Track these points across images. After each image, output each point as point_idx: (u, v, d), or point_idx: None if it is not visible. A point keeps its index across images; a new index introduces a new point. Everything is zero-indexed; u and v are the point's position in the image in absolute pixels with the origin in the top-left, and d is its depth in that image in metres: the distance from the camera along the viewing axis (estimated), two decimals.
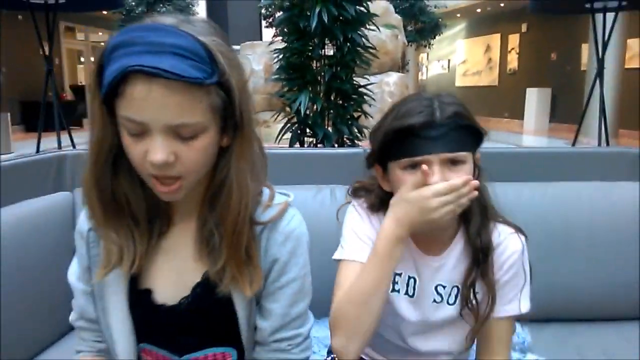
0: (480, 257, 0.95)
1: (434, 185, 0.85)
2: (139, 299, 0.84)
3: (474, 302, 0.96)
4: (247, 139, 0.77)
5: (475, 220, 0.96)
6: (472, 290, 0.96)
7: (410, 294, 1.00)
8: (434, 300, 1.00)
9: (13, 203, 1.27)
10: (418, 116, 0.87)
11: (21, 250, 1.22)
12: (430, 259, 0.99)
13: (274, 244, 0.83)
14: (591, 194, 1.49)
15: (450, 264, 0.99)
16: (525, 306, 0.98)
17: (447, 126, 0.86)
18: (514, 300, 0.98)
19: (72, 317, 0.94)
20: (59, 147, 2.75)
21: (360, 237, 0.99)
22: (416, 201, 0.86)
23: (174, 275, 0.84)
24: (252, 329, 0.86)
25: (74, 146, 2.93)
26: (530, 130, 11.64)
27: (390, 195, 0.95)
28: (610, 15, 3.08)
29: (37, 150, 2.94)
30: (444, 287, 1.00)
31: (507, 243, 0.97)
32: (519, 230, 1.00)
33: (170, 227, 0.85)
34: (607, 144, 3.07)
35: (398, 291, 1.01)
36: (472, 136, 0.91)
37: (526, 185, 1.49)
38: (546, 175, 1.53)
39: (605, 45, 2.98)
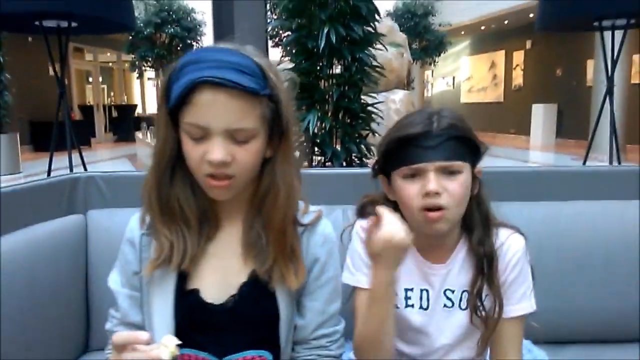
0: (485, 265, 0.98)
1: (383, 224, 0.90)
2: (186, 299, 0.90)
3: (481, 308, 0.99)
4: (290, 145, 0.90)
5: (477, 229, 1.00)
6: (479, 297, 0.99)
7: (425, 306, 1.03)
8: (445, 305, 1.02)
9: (26, 226, 1.27)
10: (417, 127, 0.93)
11: (34, 274, 1.22)
12: (437, 266, 1.02)
13: (315, 245, 0.94)
14: (605, 214, 1.47)
15: (456, 268, 1.02)
16: (533, 305, 1.01)
17: (442, 136, 0.92)
18: (523, 299, 1.00)
19: (109, 325, 0.96)
20: (71, 169, 2.76)
21: (368, 264, 1.00)
22: (383, 244, 0.90)
23: (221, 276, 0.92)
24: (292, 330, 0.93)
25: (85, 167, 2.94)
26: (537, 146, 11.62)
27: (397, 204, 0.99)
28: (617, 32, 3.09)
29: (49, 173, 2.95)
30: (452, 291, 1.02)
31: (509, 243, 1.01)
32: (517, 230, 1.04)
33: (218, 232, 0.94)
34: (619, 162, 3.05)
35: (412, 306, 1.03)
36: (468, 148, 0.95)
37: (540, 205, 1.48)
38: (560, 194, 1.52)
39: (615, 63, 2.98)
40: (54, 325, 1.26)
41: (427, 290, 1.02)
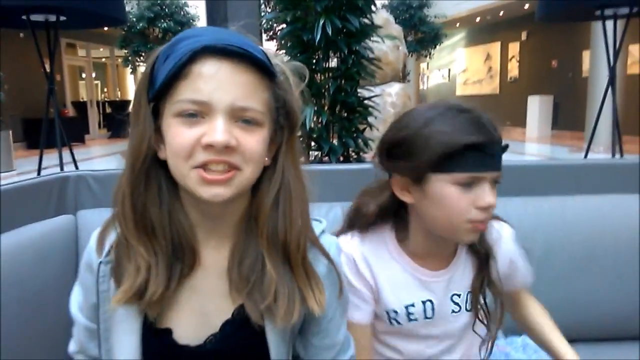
0: (484, 264, 0.97)
1: None
2: (156, 340, 0.76)
3: (484, 308, 0.98)
4: (295, 141, 0.78)
5: None
6: (483, 296, 0.98)
7: (430, 316, 0.98)
8: (453, 311, 0.99)
9: (14, 228, 1.23)
10: (480, 132, 0.84)
11: (22, 276, 1.18)
12: (439, 273, 0.98)
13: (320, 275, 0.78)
14: (611, 207, 1.45)
15: (459, 272, 0.99)
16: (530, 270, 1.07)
17: (500, 144, 0.87)
18: (524, 272, 1.06)
19: (71, 348, 0.86)
20: (61, 168, 2.71)
21: (355, 295, 0.96)
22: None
23: (197, 315, 0.77)
24: None
25: (76, 165, 2.89)
26: (533, 138, 11.62)
27: (402, 205, 0.95)
28: (617, 22, 3.07)
29: (39, 171, 2.90)
30: (458, 295, 0.99)
31: (503, 235, 1.01)
32: (501, 219, 1.03)
33: (196, 262, 0.76)
34: (622, 155, 3.02)
35: (416, 320, 0.98)
36: None
37: (545, 200, 1.45)
38: (565, 188, 1.49)
39: (616, 53, 2.95)
40: (43, 328, 1.23)
41: (430, 301, 0.97)
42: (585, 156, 3.26)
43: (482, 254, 0.96)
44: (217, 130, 0.66)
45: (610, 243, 1.41)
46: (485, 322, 0.99)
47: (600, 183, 1.51)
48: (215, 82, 0.67)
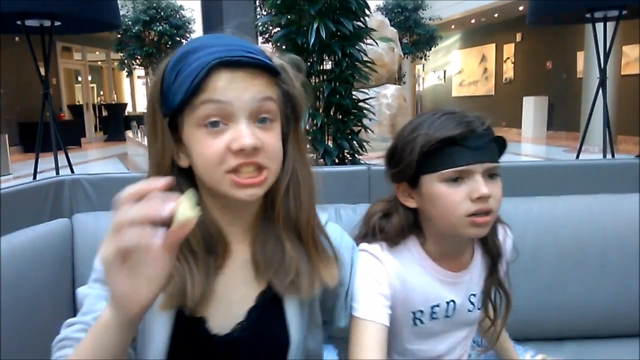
0: (497, 264, 0.99)
1: None
2: (189, 329, 0.79)
3: (492, 306, 1.01)
4: (301, 131, 0.83)
5: (491, 231, 0.96)
6: (491, 295, 1.00)
7: (450, 314, 1.00)
8: (469, 310, 1.01)
9: (10, 232, 1.24)
10: (458, 127, 0.86)
11: (18, 280, 1.18)
12: (460, 274, 0.99)
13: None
14: (601, 207, 1.46)
15: (477, 272, 1.01)
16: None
17: (486, 137, 0.87)
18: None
19: (69, 330, 0.80)
20: (57, 171, 2.71)
21: (373, 293, 0.93)
22: None
23: (225, 304, 0.81)
24: (304, 357, 0.85)
25: (71, 169, 2.89)
26: (529, 139, 11.66)
27: (415, 212, 0.96)
28: (609, 24, 3.09)
29: (34, 175, 2.90)
30: (474, 295, 1.01)
31: (506, 235, 1.04)
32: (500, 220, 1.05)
33: (226, 260, 0.82)
34: (613, 155, 3.04)
35: (437, 318, 0.99)
36: (499, 151, 0.92)
37: (536, 200, 1.47)
38: (555, 188, 1.50)
39: (607, 55, 2.97)
40: (39, 332, 1.23)
41: (453, 301, 0.99)
42: (578, 156, 3.28)
43: (494, 254, 0.98)
44: (244, 134, 0.71)
45: (599, 243, 1.42)
46: (492, 318, 1.02)
47: (590, 183, 1.52)
48: (232, 90, 0.71)
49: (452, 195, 0.87)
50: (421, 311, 0.98)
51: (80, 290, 0.83)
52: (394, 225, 0.96)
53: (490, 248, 0.99)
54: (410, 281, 0.96)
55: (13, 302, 1.15)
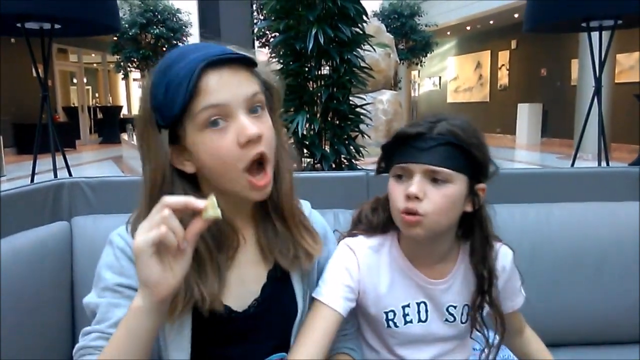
0: (486, 285, 0.97)
1: None
2: (210, 312, 0.83)
3: (482, 323, 0.99)
4: (279, 118, 0.89)
5: (477, 249, 0.97)
6: (480, 313, 0.98)
7: (423, 319, 1.01)
8: (446, 320, 1.01)
9: (9, 234, 1.23)
10: (417, 127, 0.90)
11: (17, 284, 1.18)
12: (437, 282, 1.00)
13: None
14: (596, 215, 1.48)
15: (457, 285, 1.00)
16: (524, 294, 1.09)
17: (436, 140, 0.88)
18: (518, 295, 1.08)
19: (87, 339, 0.81)
20: (55, 174, 2.70)
21: (338, 281, 0.97)
22: None
23: (239, 285, 0.89)
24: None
25: (69, 172, 2.89)
26: (523, 145, 11.73)
27: None
28: (604, 33, 3.12)
29: (32, 178, 2.89)
30: (454, 307, 1.01)
31: (500, 256, 1.01)
32: (503, 242, 1.05)
33: (236, 252, 0.89)
34: (607, 163, 3.06)
35: (411, 321, 1.00)
36: (468, 161, 0.90)
37: (531, 207, 1.48)
38: (551, 196, 1.52)
39: (602, 64, 3.00)
40: (38, 336, 1.23)
41: (424, 303, 1.00)
42: (573, 164, 3.31)
43: (483, 276, 0.96)
44: (247, 126, 0.76)
45: (596, 250, 1.43)
46: (484, 334, 1.00)
47: (586, 191, 1.53)
48: (224, 86, 0.76)
49: (394, 191, 0.92)
50: (393, 312, 0.99)
51: (89, 300, 0.85)
52: (375, 215, 1.03)
53: (478, 269, 0.97)
54: (383, 278, 0.99)
55: (12, 304, 1.15)
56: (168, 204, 0.66)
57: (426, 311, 1.00)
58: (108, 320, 0.80)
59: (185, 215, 0.69)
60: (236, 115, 0.77)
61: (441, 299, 1.00)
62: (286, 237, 0.89)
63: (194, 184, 0.84)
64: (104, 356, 0.73)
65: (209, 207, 0.68)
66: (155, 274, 0.67)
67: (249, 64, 0.81)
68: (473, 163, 0.90)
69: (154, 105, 0.78)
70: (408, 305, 1.00)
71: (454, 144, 0.88)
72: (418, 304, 1.00)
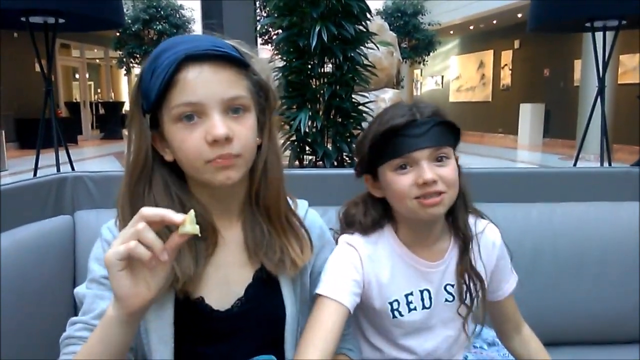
0: (463, 250, 1.01)
1: None
2: (189, 309, 0.85)
3: (468, 294, 1.01)
4: (273, 121, 0.88)
5: (461, 214, 1.01)
6: (465, 282, 1.01)
7: (428, 305, 1.02)
8: (446, 300, 1.03)
9: (12, 228, 1.24)
10: (401, 118, 0.92)
11: (20, 277, 1.18)
12: (435, 264, 1.02)
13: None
14: (598, 215, 1.48)
15: (453, 262, 1.03)
16: (516, 277, 1.10)
17: (428, 123, 0.92)
18: (511, 276, 1.09)
19: (73, 329, 0.84)
20: (58, 169, 2.71)
21: (343, 276, 0.97)
22: None
23: (223, 285, 0.88)
24: (297, 332, 0.91)
25: (72, 166, 2.89)
26: (525, 146, 11.71)
27: (384, 202, 1.01)
28: (608, 34, 3.11)
29: (35, 172, 2.90)
30: (452, 285, 1.03)
31: (487, 233, 1.05)
32: (491, 221, 1.08)
33: (217, 245, 0.88)
34: (610, 163, 3.06)
35: (415, 309, 1.02)
36: (451, 134, 0.96)
37: (534, 206, 1.48)
38: (553, 195, 1.52)
39: (605, 64, 3.00)
40: (40, 328, 1.23)
41: (427, 290, 1.02)
42: (575, 164, 3.30)
43: (468, 238, 1.01)
44: (217, 125, 0.76)
45: (598, 249, 1.43)
46: (469, 305, 1.02)
47: (588, 191, 1.53)
48: (202, 83, 0.76)
49: (401, 182, 0.93)
50: (397, 301, 1.00)
51: (78, 290, 0.88)
52: (367, 215, 1.03)
53: (459, 232, 1.01)
54: (385, 268, 1.00)
55: (14, 297, 1.15)
56: (144, 216, 0.65)
57: (430, 298, 1.02)
58: (93, 312, 0.82)
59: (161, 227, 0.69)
60: (210, 113, 0.77)
61: (441, 281, 1.02)
62: (273, 240, 0.88)
63: (179, 173, 0.85)
64: (78, 356, 0.74)
65: (187, 222, 0.66)
66: (125, 287, 0.66)
67: (237, 63, 0.80)
68: (454, 133, 0.96)
69: (142, 89, 0.80)
70: (411, 293, 1.01)
71: (441, 122, 0.93)
72: (421, 292, 1.02)
